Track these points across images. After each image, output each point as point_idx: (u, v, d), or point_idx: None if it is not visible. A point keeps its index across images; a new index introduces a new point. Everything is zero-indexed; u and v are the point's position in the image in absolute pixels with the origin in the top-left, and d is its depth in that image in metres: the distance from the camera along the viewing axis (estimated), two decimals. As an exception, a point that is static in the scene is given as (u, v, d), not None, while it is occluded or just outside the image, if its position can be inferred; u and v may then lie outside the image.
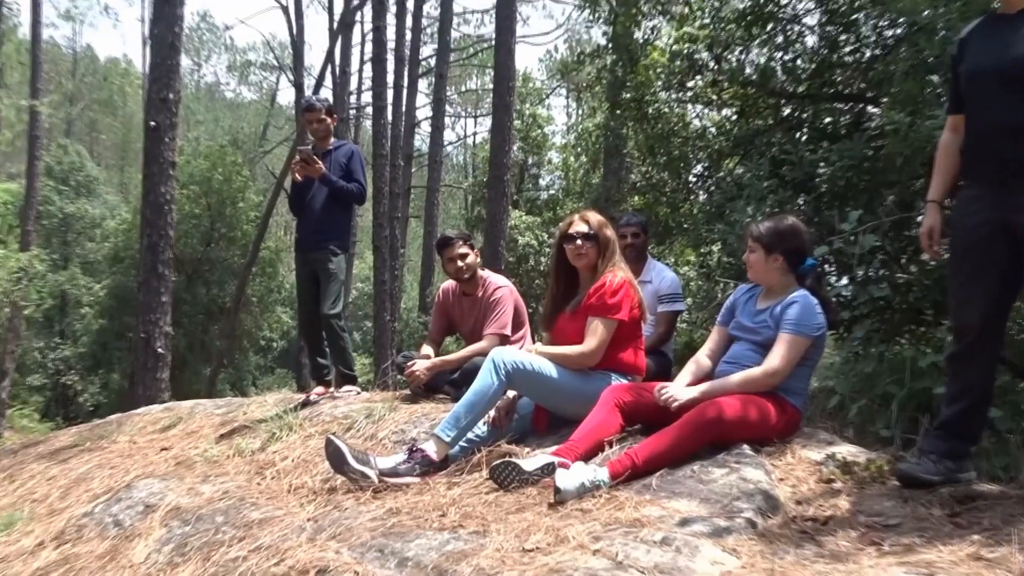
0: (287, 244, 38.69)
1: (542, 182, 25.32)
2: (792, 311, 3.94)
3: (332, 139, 6.82)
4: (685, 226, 10.14)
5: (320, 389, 6.58)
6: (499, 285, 5.90)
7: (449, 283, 6.24)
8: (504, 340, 5.71)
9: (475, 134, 50.53)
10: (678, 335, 9.49)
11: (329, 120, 6.73)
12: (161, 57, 11.77)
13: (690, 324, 12.02)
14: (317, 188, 6.58)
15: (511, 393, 4.50)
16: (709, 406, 3.67)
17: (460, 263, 5.90)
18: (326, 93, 28.57)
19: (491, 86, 21.46)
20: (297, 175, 6.53)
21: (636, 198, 12.39)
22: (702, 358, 4.27)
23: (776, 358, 3.87)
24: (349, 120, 32.03)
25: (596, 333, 4.32)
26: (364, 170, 6.77)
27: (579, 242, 4.50)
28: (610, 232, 4.56)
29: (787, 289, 4.10)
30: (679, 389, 3.91)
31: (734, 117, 9.90)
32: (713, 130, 10.32)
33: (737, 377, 3.87)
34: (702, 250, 9.52)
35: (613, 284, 4.36)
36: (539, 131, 24.24)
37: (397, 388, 6.60)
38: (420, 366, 5.66)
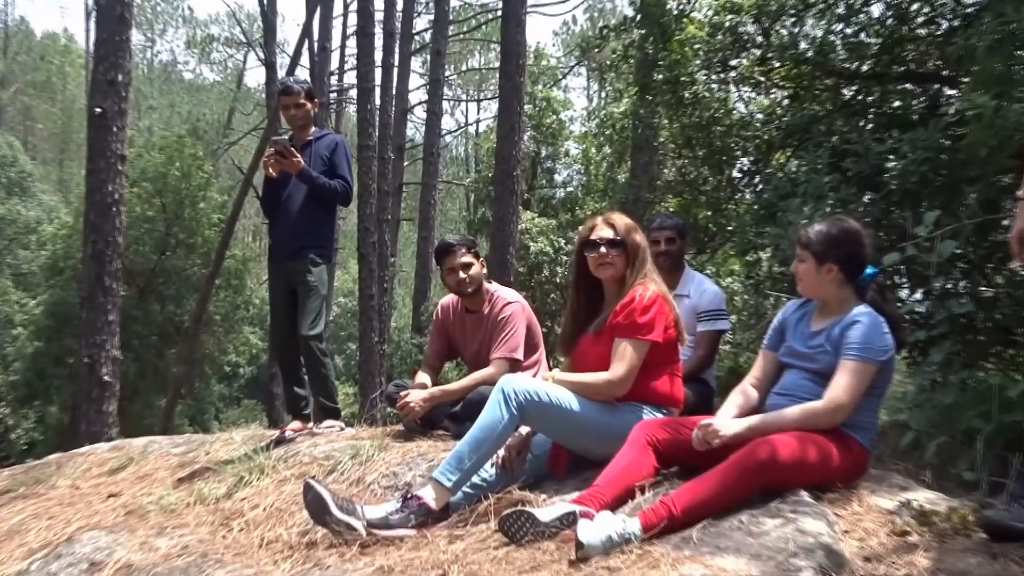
0: (257, 252, 38.80)
1: (558, 178, 25.35)
2: (855, 332, 3.93)
3: (312, 128, 6.86)
4: (729, 230, 10.14)
5: (296, 424, 6.59)
6: (508, 301, 5.92)
7: (449, 298, 6.25)
8: (515, 366, 5.72)
9: (478, 121, 50.79)
10: (721, 359, 9.48)
11: (309, 105, 6.77)
12: (108, 32, 11.85)
13: (735, 346, 12.01)
14: (294, 186, 6.61)
15: (524, 429, 4.50)
16: (760, 445, 3.65)
17: (462, 275, 5.93)
18: (303, 73, 28.68)
19: (497, 65, 21.53)
20: (271, 170, 6.56)
21: (671, 198, 12.40)
22: (748, 388, 4.27)
23: (839, 390, 3.85)
24: (330, 105, 32.16)
25: (624, 357, 4.33)
26: (350, 164, 6.80)
27: (603, 249, 4.52)
28: (640, 237, 4.58)
29: (845, 305, 4.09)
30: (723, 423, 3.90)
31: (786, 101, 9.92)
32: (761, 117, 10.34)
33: (795, 411, 3.86)
34: (749, 258, 9.52)
35: (644, 299, 4.38)
36: (554, 118, 24.30)
37: (388, 423, 6.60)
38: (415, 397, 5.68)
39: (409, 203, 38.89)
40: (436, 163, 28.67)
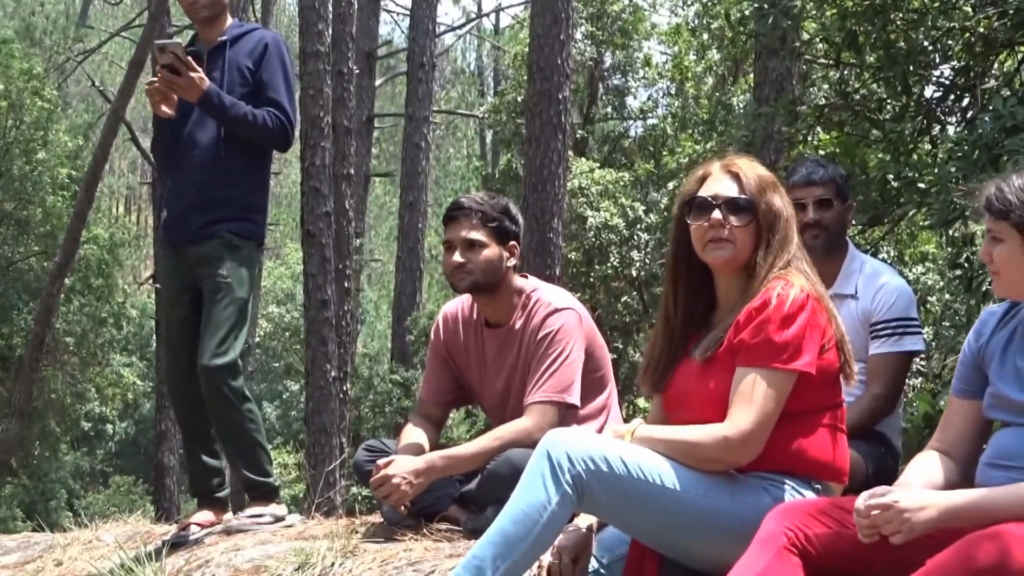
0: (135, 232, 38.95)
1: (633, 103, 25.38)
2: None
3: (228, 21, 6.87)
4: (920, 187, 10.10)
5: (205, 515, 6.62)
6: (556, 307, 5.91)
7: (457, 303, 6.26)
8: (567, 415, 5.75)
9: (499, 10, 50.79)
10: (910, 402, 9.42)
11: None
12: None
13: (933, 380, 11.97)
14: (197, 121, 6.64)
15: (583, 520, 4.51)
16: (981, 541, 3.63)
17: (458, 256, 5.90)
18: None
19: (530, -85, 21.50)
20: (161, 105, 6.57)
21: (821, 134, 12.37)
22: (938, 456, 4.24)
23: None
24: (251, -13, 32.28)
25: (753, 399, 4.28)
26: (289, 80, 6.79)
27: (717, 215, 4.46)
28: (781, 201, 4.52)
29: None
30: (912, 498, 3.86)
31: (1016, -32, 9.87)
32: (973, -5, 10.31)
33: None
34: (954, 233, 9.47)
35: (786, 303, 4.32)
36: (626, 2, 24.33)
37: (356, 512, 6.62)
38: (401, 468, 5.66)
39: (385, 148, 39.16)
40: (429, 81, 28.68)
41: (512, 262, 5.99)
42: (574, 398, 5.75)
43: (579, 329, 5.88)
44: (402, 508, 5.78)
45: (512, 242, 5.98)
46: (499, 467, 5.47)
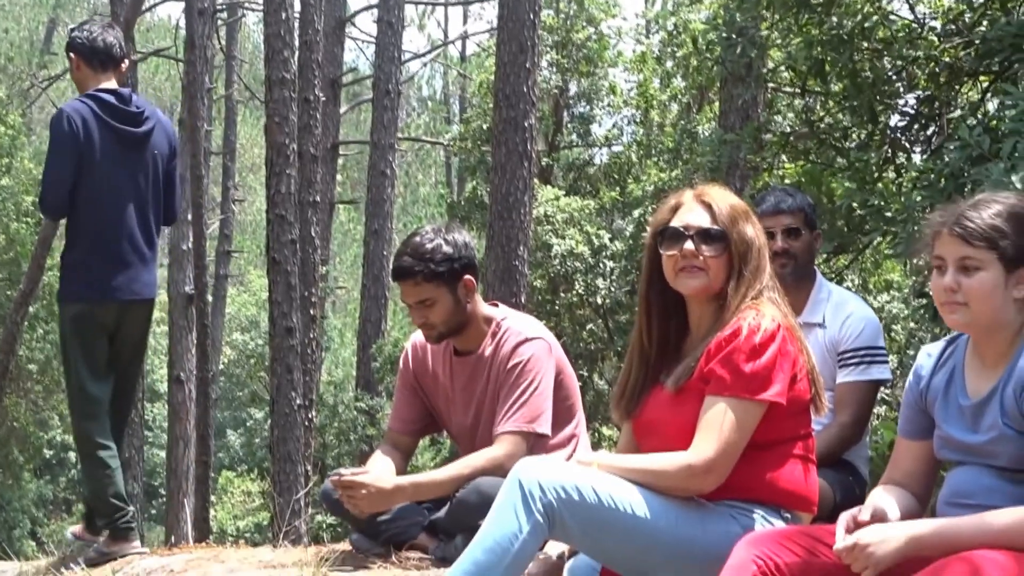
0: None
1: (598, 131, 25.37)
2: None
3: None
4: (887, 215, 10.13)
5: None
6: (525, 337, 5.90)
7: (425, 334, 6.26)
8: (537, 444, 5.75)
9: (465, 38, 50.77)
10: (876, 430, 9.45)
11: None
12: None
13: (896, 407, 11.98)
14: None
15: (554, 548, 4.51)
16: (955, 565, 3.63)
17: (417, 316, 5.93)
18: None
19: (496, -57, 21.55)
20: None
21: (786, 163, 12.39)
22: (897, 489, 4.25)
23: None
24: (217, 15, 32.23)
25: (717, 428, 4.27)
26: (52, 152, 7.20)
27: (689, 245, 4.46)
28: (753, 231, 4.53)
29: (1020, 333, 4.04)
30: (871, 533, 3.86)
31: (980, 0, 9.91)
32: (939, 27, 10.35)
33: (1003, 519, 3.80)
34: (919, 261, 9.50)
35: (757, 334, 4.33)
36: (591, 31, 24.35)
37: (325, 540, 6.62)
38: (371, 482, 5.62)
39: (351, 175, 39.05)
40: (395, 108, 28.63)
41: (471, 296, 5.92)
42: (544, 428, 5.75)
43: (549, 358, 5.86)
44: (368, 531, 5.79)
45: (467, 276, 5.88)
46: (468, 495, 5.46)
